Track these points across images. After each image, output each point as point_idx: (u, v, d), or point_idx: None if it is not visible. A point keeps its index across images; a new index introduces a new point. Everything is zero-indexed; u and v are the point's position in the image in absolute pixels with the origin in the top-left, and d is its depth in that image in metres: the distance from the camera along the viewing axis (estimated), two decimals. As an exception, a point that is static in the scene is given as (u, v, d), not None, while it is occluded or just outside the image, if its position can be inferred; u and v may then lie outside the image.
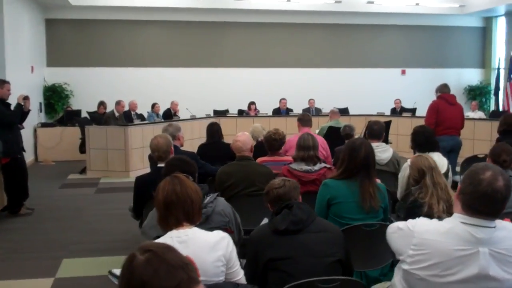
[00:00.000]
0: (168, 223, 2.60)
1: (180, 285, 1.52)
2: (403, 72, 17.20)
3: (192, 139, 13.20)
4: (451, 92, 8.32)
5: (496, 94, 16.07)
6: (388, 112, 14.95)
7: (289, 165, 4.88)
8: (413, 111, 14.81)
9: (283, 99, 15.06)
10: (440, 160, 5.04)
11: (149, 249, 1.59)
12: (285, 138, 5.90)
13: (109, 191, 9.61)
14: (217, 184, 4.81)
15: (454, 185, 5.08)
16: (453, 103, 8.17)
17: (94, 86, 15.17)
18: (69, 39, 15.35)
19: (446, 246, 2.42)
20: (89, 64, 15.36)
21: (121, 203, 8.53)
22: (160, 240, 2.56)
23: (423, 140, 5.04)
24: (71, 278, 5.17)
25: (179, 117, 13.21)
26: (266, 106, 15.13)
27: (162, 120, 12.72)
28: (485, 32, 17.49)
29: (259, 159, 5.47)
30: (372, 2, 15.75)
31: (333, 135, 8.46)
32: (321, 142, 7.00)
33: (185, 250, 2.50)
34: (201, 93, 15.72)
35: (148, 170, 11.05)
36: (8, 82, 7.52)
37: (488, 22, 17.34)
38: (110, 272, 5.18)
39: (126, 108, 12.51)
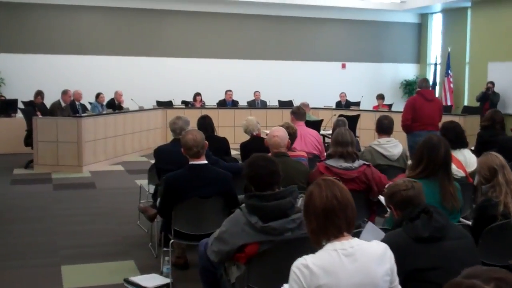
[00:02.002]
0: (327, 234, 2.28)
1: None
2: (343, 66, 17.38)
3: (141, 132, 12.60)
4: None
5: (433, 88, 16.62)
6: (333, 105, 15.03)
7: (326, 161, 4.64)
8: (357, 104, 14.99)
9: (229, 90, 14.70)
10: (470, 157, 4.99)
11: (495, 277, 1.32)
12: (297, 132, 5.67)
13: (67, 187, 8.88)
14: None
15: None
16: (430, 99, 8.24)
17: (27, 74, 14.03)
18: (0, 23, 14.14)
19: None
20: (22, 50, 14.18)
21: (89, 201, 7.99)
22: (321, 253, 2.25)
23: (454, 136, 4.91)
24: (83, 289, 4.67)
25: (128, 108, 12.49)
26: (211, 98, 14.73)
27: (112, 111, 11.96)
28: (420, 28, 18.03)
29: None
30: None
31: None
32: (316, 136, 6.84)
33: (353, 264, 2.23)
34: (143, 83, 15.02)
35: (102, 164, 10.64)
36: None
37: (424, 18, 17.88)
38: (127, 280, 4.77)
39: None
